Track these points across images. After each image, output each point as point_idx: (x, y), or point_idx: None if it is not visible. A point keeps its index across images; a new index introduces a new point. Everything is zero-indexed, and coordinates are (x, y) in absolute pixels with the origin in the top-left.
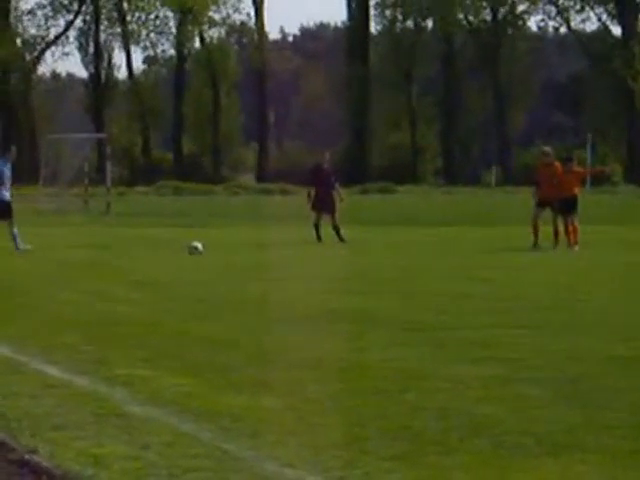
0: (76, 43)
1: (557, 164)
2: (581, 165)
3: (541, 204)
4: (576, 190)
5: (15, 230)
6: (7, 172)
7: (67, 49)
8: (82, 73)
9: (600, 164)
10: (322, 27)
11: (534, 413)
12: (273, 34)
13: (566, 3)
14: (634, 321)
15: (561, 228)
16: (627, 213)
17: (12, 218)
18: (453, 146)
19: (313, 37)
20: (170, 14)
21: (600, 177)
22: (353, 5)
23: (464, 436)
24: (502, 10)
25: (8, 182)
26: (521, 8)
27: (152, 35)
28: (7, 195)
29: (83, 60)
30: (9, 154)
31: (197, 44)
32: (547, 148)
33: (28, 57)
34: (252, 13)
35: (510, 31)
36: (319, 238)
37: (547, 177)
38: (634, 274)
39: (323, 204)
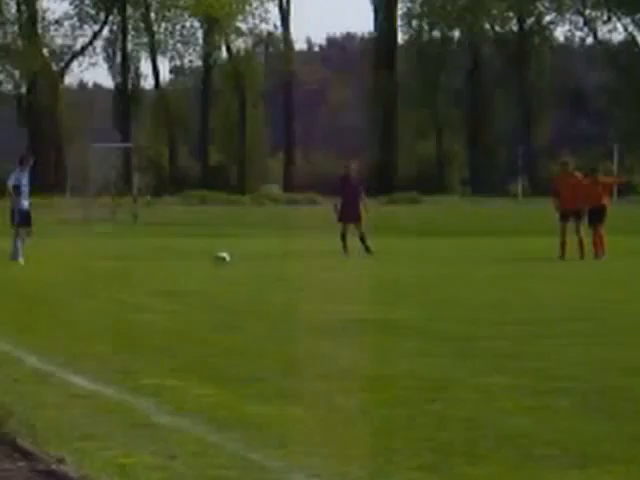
0: (103, 53)
1: (577, 174)
2: (607, 175)
3: (564, 216)
4: (605, 200)
5: (27, 240)
6: (25, 181)
7: (94, 59)
8: (109, 83)
9: (627, 174)
10: (349, 37)
11: (561, 424)
12: (300, 44)
13: (593, 14)
14: None
15: (586, 239)
16: None
17: (30, 227)
18: (479, 156)
19: (340, 47)
20: (197, 24)
21: (625, 187)
22: (380, 16)
23: (491, 447)
24: (529, 21)
25: (26, 190)
26: (548, 19)
27: (179, 45)
28: (26, 204)
29: (110, 70)
30: (27, 163)
31: (224, 54)
32: (566, 158)
33: (55, 67)
34: (279, 23)
35: (537, 41)
36: (346, 249)
37: (568, 187)
38: None
39: (350, 214)
